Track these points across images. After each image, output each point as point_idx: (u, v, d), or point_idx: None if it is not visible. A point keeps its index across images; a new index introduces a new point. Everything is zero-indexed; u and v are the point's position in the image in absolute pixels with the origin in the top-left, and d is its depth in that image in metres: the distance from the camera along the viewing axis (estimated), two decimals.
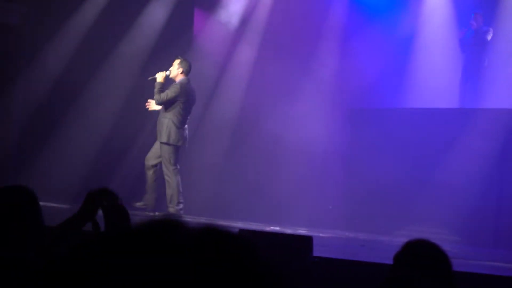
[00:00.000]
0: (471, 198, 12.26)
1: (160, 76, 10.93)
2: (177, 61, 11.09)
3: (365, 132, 13.88)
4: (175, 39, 14.55)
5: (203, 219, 11.91)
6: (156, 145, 11.07)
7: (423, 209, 12.67)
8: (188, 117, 11.17)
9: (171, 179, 10.85)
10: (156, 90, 10.83)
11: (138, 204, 11.01)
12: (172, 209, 10.87)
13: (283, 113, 14.47)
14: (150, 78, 11.11)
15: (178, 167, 10.97)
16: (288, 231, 10.99)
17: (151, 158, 11.06)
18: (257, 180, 14.21)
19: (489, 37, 14.30)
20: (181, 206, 10.95)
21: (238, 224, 11.09)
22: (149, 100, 11.19)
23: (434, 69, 14.77)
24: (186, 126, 11.07)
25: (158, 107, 11.03)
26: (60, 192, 12.59)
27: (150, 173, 11.02)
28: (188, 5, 15.16)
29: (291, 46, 15.01)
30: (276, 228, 11.51)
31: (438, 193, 12.55)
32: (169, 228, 1.42)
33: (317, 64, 14.78)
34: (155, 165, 11.04)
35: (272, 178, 14.20)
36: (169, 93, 10.79)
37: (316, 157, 14.19)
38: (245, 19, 15.12)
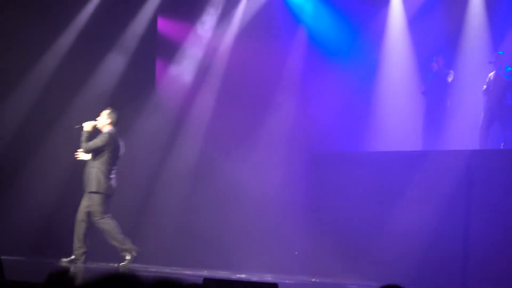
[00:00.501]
0: (438, 241, 12.23)
1: (87, 125, 11.05)
2: (106, 112, 11.25)
3: (327, 176, 13.91)
4: (136, 87, 14.52)
5: (167, 269, 11.73)
6: (86, 197, 11.08)
7: (390, 253, 12.60)
8: (115, 168, 11.20)
9: (108, 225, 10.88)
10: (83, 138, 10.97)
11: (65, 260, 10.94)
12: (126, 255, 10.90)
13: (245, 160, 14.41)
14: (77, 126, 11.16)
15: (110, 214, 11.00)
16: (254, 278, 10.86)
17: (82, 211, 11.06)
18: (220, 227, 14.07)
19: (450, 79, 14.43)
20: (129, 246, 10.96)
21: (204, 273, 10.96)
22: (78, 150, 11.23)
23: (396, 111, 14.85)
24: (113, 176, 11.12)
25: (87, 157, 11.07)
26: (16, 245, 12.40)
27: (82, 225, 11.00)
28: (150, 54, 15.13)
29: (250, 92, 15.03)
30: (242, 276, 11.39)
31: (403, 237, 12.50)
32: (123, 282, 1.30)
33: (277, 110, 14.80)
34: (87, 217, 11.04)
35: (235, 225, 14.06)
36: (97, 142, 10.91)
37: (279, 203, 14.12)
38: (204, 67, 15.12)
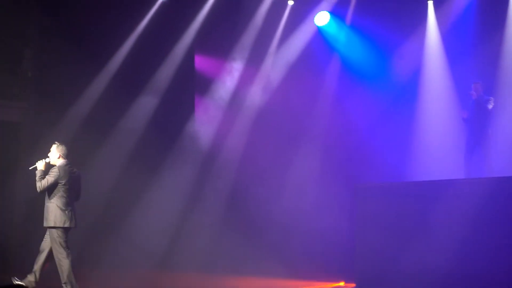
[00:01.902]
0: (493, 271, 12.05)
1: (40, 164, 11.11)
2: (54, 147, 11.26)
3: (369, 207, 13.80)
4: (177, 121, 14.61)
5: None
6: (47, 232, 11.19)
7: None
8: (72, 199, 11.22)
9: (63, 261, 10.95)
10: (37, 178, 11.01)
11: (17, 280, 11.03)
12: (30, 278, 10.92)
13: (281, 189, 14.50)
14: (31, 167, 11.21)
15: (69, 249, 11.04)
16: None
17: (46, 246, 11.15)
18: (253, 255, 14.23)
19: (490, 106, 14.29)
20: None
21: None
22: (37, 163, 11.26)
23: (437, 140, 14.75)
24: (70, 208, 11.13)
25: (41, 167, 11.08)
26: None
27: (42, 257, 11.11)
28: (190, 90, 15.29)
29: (287, 122, 15.11)
30: None
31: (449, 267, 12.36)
32: None
33: (314, 138, 14.83)
34: (49, 252, 11.12)
35: (272, 253, 14.16)
36: (49, 178, 10.97)
37: (317, 233, 14.15)
38: (240, 97, 15.26)
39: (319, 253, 14.27)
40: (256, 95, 15.34)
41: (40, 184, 10.95)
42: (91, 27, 14.38)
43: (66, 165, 11.15)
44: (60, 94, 14.21)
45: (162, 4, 15.22)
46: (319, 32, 15.73)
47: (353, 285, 13.56)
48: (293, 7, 15.82)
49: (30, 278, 11.07)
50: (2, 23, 14.15)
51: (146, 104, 14.80)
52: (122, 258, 14.13)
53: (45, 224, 11.02)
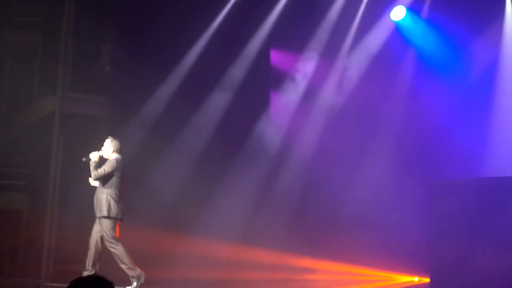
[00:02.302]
0: None
1: (94, 156, 11.26)
2: (108, 141, 11.40)
3: (445, 204, 13.64)
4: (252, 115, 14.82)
5: None
6: (97, 221, 11.29)
7: None
8: (122, 193, 11.36)
9: (117, 249, 11.07)
10: (92, 167, 11.16)
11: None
12: (133, 281, 11.06)
13: (355, 183, 14.49)
14: (84, 159, 11.34)
15: (118, 239, 11.17)
16: None
17: (94, 236, 11.26)
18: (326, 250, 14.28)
19: None
20: (137, 272, 11.11)
21: None
22: (89, 178, 11.46)
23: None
24: (122, 201, 11.29)
25: (97, 183, 11.31)
26: None
27: (93, 249, 11.20)
28: (264, 86, 15.41)
29: (362, 117, 15.09)
30: None
31: None
32: None
33: (389, 134, 14.77)
34: (100, 241, 11.23)
35: (343, 248, 14.19)
36: (106, 168, 11.11)
37: (389, 229, 14.11)
38: (314, 92, 15.33)
39: (391, 247, 14.20)
40: (331, 91, 15.35)
41: (97, 172, 11.15)
42: (167, 23, 14.61)
43: (122, 158, 11.36)
44: (136, 89, 14.48)
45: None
46: (395, 27, 15.65)
47: (427, 280, 13.48)
48: (368, 1, 15.78)
49: (86, 273, 11.17)
50: (80, 19, 14.52)
51: (219, 100, 14.94)
52: (193, 260, 14.26)
53: (98, 215, 11.19)
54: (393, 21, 15.68)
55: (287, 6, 15.45)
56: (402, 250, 14.01)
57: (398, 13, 15.62)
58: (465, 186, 13.79)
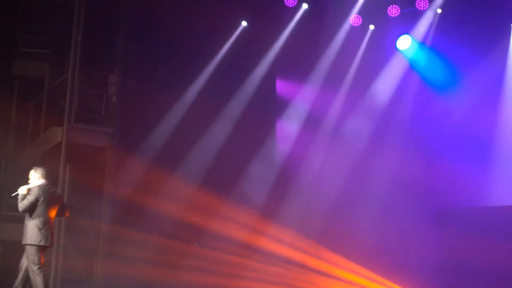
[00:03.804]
0: None
1: (22, 190, 11.26)
2: (31, 172, 11.44)
3: (452, 231, 13.66)
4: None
5: None
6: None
7: None
8: (50, 217, 11.39)
9: (36, 279, 11.13)
10: (19, 200, 11.21)
11: None
12: None
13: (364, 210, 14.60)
14: (13, 194, 11.42)
15: (42, 267, 11.21)
16: None
17: (24, 263, 11.37)
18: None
19: None
20: None
21: None
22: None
23: None
24: (48, 227, 11.32)
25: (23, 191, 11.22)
26: None
27: (25, 272, 11.28)
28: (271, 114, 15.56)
29: (367, 146, 15.18)
30: None
31: None
32: None
33: (394, 161, 14.85)
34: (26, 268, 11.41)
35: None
36: (30, 197, 11.17)
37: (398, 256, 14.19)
38: (318, 120, 15.45)
39: (395, 274, 14.30)
40: (334, 117, 15.46)
41: (22, 204, 11.20)
42: (173, 54, 14.70)
43: (46, 185, 11.38)
44: (143, 119, 14.58)
45: (243, 30, 15.50)
46: (400, 56, 15.74)
47: None
48: (373, 31, 15.89)
49: None
50: (88, 49, 14.61)
51: (223, 129, 15.09)
52: None
53: (23, 242, 11.28)
54: (398, 49, 15.79)
55: (292, 34, 15.57)
56: (409, 274, 14.10)
57: (404, 42, 15.73)
58: (470, 214, 13.85)
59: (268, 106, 15.62)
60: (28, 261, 11.29)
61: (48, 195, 11.38)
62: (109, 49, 14.96)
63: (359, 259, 14.53)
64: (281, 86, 15.69)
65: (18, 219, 14.44)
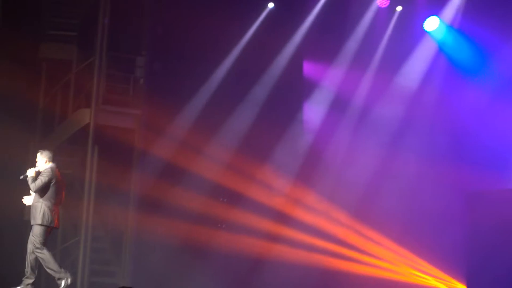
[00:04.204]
0: None
1: (31, 172, 11.38)
2: (38, 155, 11.51)
3: (482, 214, 13.56)
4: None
5: None
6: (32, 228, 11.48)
7: None
8: (59, 199, 11.48)
9: (44, 255, 11.25)
10: (30, 181, 11.33)
11: None
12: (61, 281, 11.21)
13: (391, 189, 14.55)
14: (22, 176, 11.45)
15: (44, 246, 11.26)
16: None
17: (31, 242, 11.39)
18: None
19: None
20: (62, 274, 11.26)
21: None
22: (23, 197, 11.55)
23: None
24: (56, 209, 11.39)
25: (30, 202, 11.43)
26: None
27: (33, 256, 11.31)
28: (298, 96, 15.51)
29: (395, 128, 15.12)
30: None
31: None
32: None
33: (425, 143, 14.79)
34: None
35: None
36: (43, 178, 11.28)
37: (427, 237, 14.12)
38: (344, 102, 15.40)
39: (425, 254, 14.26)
40: (362, 99, 15.41)
41: (35, 184, 11.30)
42: (201, 35, 14.70)
43: (55, 166, 11.46)
44: (170, 101, 14.59)
45: (270, 11, 15.48)
46: (428, 38, 15.67)
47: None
48: (401, 12, 15.83)
49: (28, 281, 11.36)
50: (115, 32, 14.65)
51: (250, 111, 15.07)
52: None
53: (32, 222, 11.36)
54: (426, 31, 15.72)
55: (318, 17, 15.54)
56: (438, 255, 14.03)
57: (431, 24, 15.66)
58: (501, 196, 13.73)
59: (295, 89, 15.57)
60: (34, 241, 11.33)
61: (59, 178, 11.45)
62: (136, 31, 15.00)
63: (390, 234, 14.49)
64: (309, 68, 15.64)
65: None
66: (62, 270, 11.46)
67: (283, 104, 15.41)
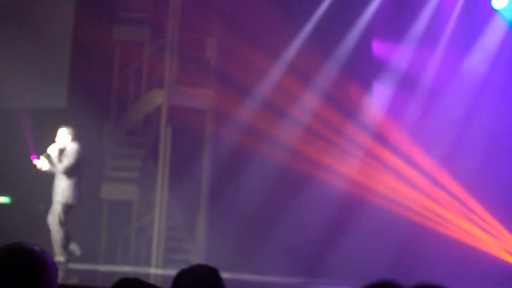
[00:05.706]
0: None
1: (54, 150, 11.48)
2: (64, 130, 11.61)
3: None
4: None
5: None
6: (53, 207, 11.63)
7: None
8: (82, 178, 11.67)
9: (60, 233, 11.39)
10: (55, 162, 11.44)
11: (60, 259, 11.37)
12: (59, 258, 11.34)
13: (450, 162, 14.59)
14: (43, 154, 11.46)
15: (64, 225, 11.45)
16: None
17: (52, 222, 11.59)
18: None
19: None
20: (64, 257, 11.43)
21: None
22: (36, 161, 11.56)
23: None
24: (80, 187, 11.61)
25: (47, 167, 11.50)
26: None
27: (59, 233, 11.52)
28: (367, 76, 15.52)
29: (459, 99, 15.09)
30: None
31: None
32: None
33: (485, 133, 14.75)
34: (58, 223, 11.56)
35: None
36: (72, 160, 11.43)
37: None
38: (414, 81, 15.35)
39: None
40: (430, 79, 15.34)
41: (63, 167, 11.58)
42: (271, 14, 14.77)
43: (78, 145, 11.65)
44: (241, 81, 14.73)
45: None
46: (497, 16, 15.50)
47: None
48: None
49: (59, 258, 11.52)
50: (186, 13, 14.83)
51: (319, 92, 15.12)
52: None
53: (56, 199, 11.54)
54: (494, 9, 15.54)
55: None
56: None
57: (500, 1, 15.47)
58: None
59: (364, 67, 15.57)
60: (56, 217, 11.56)
61: (82, 156, 11.71)
62: (207, 13, 15.14)
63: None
64: (378, 47, 15.63)
65: (122, 180, 14.86)
66: (67, 252, 11.67)
67: (352, 82, 15.41)
